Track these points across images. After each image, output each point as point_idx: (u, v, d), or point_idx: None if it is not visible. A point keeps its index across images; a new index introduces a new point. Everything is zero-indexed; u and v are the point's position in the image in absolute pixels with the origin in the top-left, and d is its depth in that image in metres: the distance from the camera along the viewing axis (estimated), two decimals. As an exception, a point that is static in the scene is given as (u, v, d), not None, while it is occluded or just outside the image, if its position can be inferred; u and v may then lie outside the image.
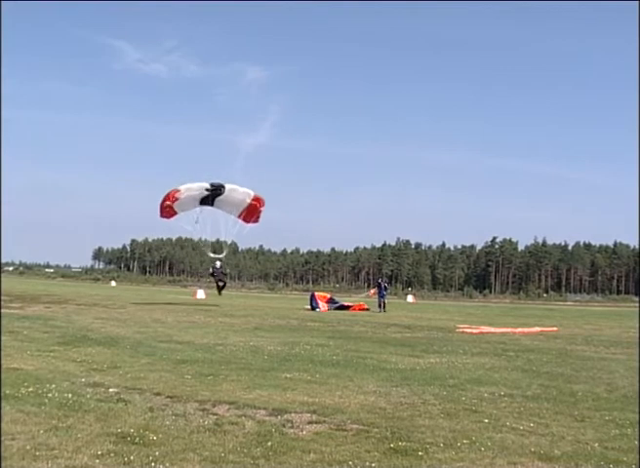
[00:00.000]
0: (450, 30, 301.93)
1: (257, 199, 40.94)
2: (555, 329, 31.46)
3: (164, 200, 38.44)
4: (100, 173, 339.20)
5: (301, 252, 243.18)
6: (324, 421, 9.51)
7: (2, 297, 35.53)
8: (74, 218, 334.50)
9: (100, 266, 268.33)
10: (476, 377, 14.36)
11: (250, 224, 42.23)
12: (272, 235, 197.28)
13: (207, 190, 38.67)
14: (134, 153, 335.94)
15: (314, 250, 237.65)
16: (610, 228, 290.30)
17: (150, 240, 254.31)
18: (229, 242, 44.96)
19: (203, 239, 43.76)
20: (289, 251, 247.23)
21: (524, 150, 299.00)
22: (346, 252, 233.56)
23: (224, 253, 43.85)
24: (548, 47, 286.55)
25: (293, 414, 9.84)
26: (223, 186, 39.08)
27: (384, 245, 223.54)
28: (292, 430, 8.98)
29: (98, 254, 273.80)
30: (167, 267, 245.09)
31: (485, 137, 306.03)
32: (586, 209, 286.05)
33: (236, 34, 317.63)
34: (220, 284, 44.91)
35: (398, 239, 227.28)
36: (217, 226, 41.83)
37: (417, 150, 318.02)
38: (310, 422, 9.43)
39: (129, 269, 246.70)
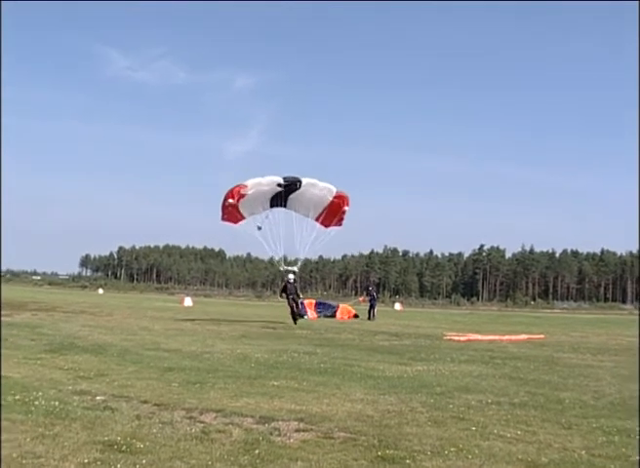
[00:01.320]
0: (437, 35, 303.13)
1: (340, 196, 33.78)
2: (542, 336, 31.51)
3: (226, 198, 31.89)
4: (88, 179, 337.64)
5: (289, 259, 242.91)
6: (311, 429, 9.50)
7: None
8: (61, 225, 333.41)
9: (88, 274, 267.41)
10: (463, 385, 14.37)
11: (331, 228, 34.52)
12: (259, 243, 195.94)
13: (279, 185, 32.15)
14: (121, 160, 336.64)
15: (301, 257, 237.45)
16: (597, 236, 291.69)
17: (137, 247, 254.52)
18: (305, 251, 35.14)
19: (272, 247, 34.28)
20: (276, 258, 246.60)
21: (512, 157, 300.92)
22: (334, 259, 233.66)
23: (299, 265, 35.43)
24: (530, 52, 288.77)
25: (280, 422, 9.82)
26: (300, 181, 32.54)
27: (372, 252, 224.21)
28: (279, 438, 8.96)
29: (85, 262, 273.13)
30: (154, 275, 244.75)
31: (473, 145, 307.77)
32: (574, 216, 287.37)
33: (225, 41, 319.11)
34: (293, 305, 33.84)
35: (386, 247, 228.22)
36: (289, 232, 34.23)
37: (405, 157, 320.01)
38: (297, 430, 9.42)
39: (116, 277, 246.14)
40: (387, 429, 9.66)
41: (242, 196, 31.63)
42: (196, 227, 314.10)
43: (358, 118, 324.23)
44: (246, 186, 31.54)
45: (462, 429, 9.80)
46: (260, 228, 32.90)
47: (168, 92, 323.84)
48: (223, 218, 33.20)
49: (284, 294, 34.66)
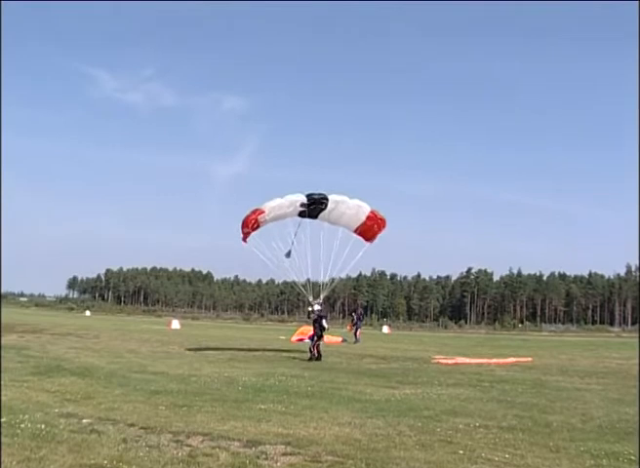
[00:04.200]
0: (424, 54, 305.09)
1: (373, 218, 29.06)
2: (530, 359, 31.50)
3: (243, 226, 27.91)
4: (75, 201, 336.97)
5: (277, 282, 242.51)
6: (298, 453, 9.46)
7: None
8: (49, 247, 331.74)
9: (75, 295, 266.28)
10: (451, 408, 14.34)
11: (367, 243, 29.65)
12: (247, 265, 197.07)
13: (303, 206, 27.79)
14: (109, 181, 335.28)
15: (289, 280, 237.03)
16: (584, 258, 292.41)
17: (125, 269, 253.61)
18: (337, 268, 30.06)
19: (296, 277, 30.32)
20: (264, 281, 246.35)
21: (500, 180, 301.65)
22: (322, 282, 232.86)
23: (324, 294, 30.38)
24: (515, 63, 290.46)
25: (267, 446, 9.78)
26: (326, 198, 28.17)
27: (360, 275, 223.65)
28: (266, 462, 8.93)
29: (72, 284, 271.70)
30: (142, 297, 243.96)
31: (461, 168, 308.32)
32: (562, 239, 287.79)
33: (214, 63, 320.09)
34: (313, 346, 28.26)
35: (373, 270, 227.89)
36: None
37: (393, 179, 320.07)
38: (285, 454, 9.38)
39: (103, 299, 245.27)
40: (375, 453, 9.63)
41: (259, 224, 27.79)
42: (184, 250, 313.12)
43: (348, 141, 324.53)
44: (263, 212, 27.53)
45: (450, 453, 9.78)
46: (289, 254, 28.36)
47: (156, 113, 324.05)
48: (245, 240, 28.52)
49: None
